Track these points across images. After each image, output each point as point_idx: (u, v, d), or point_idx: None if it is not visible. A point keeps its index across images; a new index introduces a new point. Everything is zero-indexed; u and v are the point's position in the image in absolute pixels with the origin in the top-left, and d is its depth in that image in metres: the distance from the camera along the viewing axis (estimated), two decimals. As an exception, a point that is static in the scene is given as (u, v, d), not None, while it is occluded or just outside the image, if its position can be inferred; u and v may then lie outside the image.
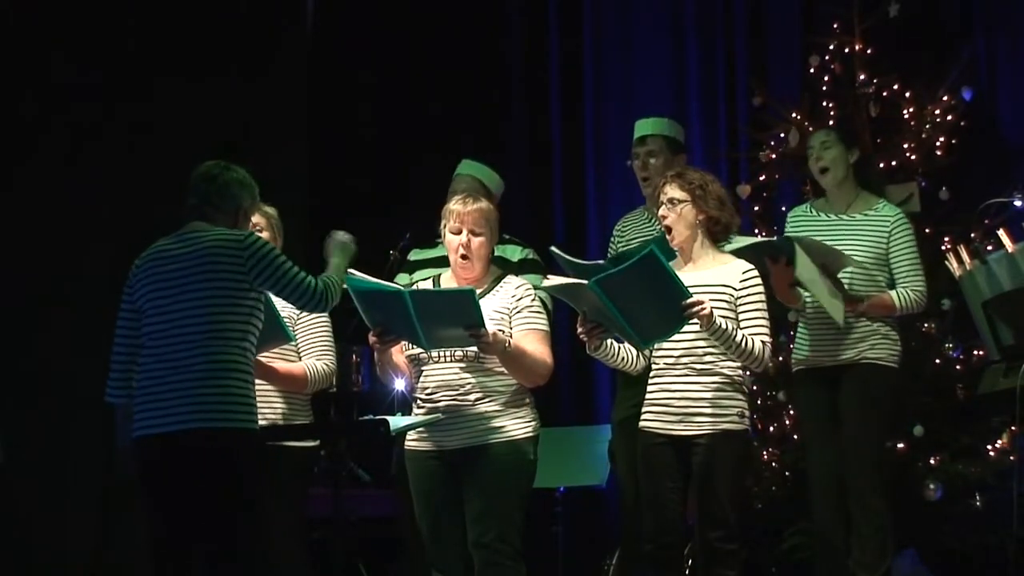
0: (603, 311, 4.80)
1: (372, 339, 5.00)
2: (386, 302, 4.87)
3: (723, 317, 4.92)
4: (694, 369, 5.00)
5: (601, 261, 5.53)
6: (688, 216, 5.06)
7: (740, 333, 4.92)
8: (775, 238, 5.38)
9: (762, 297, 5.04)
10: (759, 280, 5.08)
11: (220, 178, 4.74)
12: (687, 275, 5.00)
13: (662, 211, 5.09)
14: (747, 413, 5.05)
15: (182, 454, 4.52)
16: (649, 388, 5.12)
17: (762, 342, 4.96)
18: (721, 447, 4.97)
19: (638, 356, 5.14)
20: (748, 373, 5.11)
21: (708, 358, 4.99)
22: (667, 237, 5.10)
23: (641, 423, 5.13)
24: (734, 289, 5.01)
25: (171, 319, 4.58)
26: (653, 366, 5.12)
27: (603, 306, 4.76)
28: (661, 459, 5.05)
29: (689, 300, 4.80)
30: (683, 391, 5.01)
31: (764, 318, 5.01)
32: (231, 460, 4.54)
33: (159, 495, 4.59)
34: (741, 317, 4.99)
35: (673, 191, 5.07)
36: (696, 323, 4.87)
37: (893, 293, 5.64)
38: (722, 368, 5.00)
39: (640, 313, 4.79)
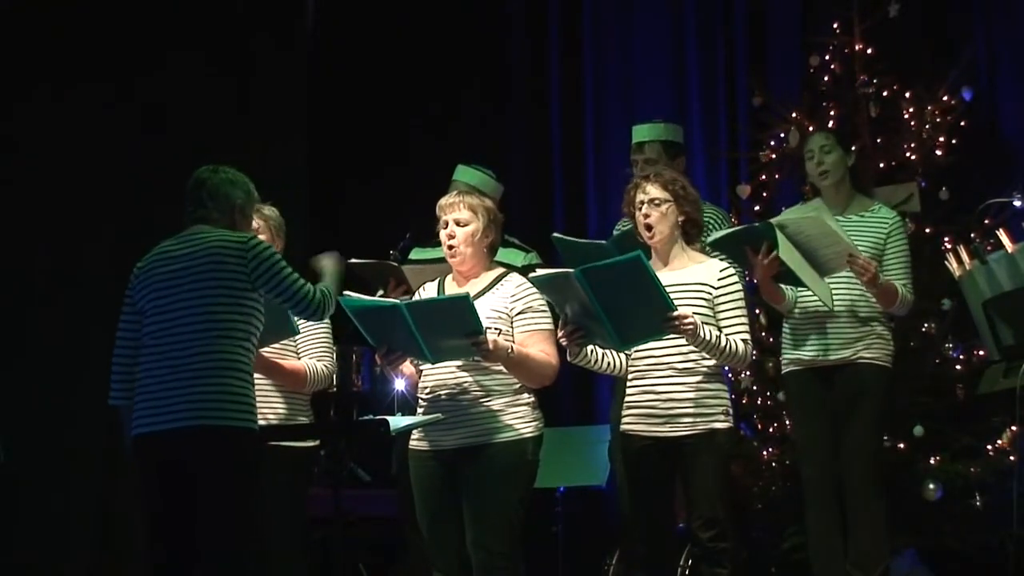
0: (587, 308, 4.76)
1: (379, 359, 4.99)
2: (384, 318, 4.85)
3: (701, 316, 4.88)
4: (677, 369, 4.98)
5: (603, 242, 5.50)
6: (671, 216, 5.05)
7: (724, 338, 4.89)
8: (756, 223, 5.32)
9: (741, 295, 5.03)
10: (737, 279, 5.06)
11: (209, 181, 4.79)
12: (664, 275, 4.95)
13: (645, 210, 5.05)
14: (731, 410, 5.04)
15: (180, 452, 4.52)
16: (629, 390, 5.10)
17: (743, 341, 4.95)
18: (708, 446, 4.96)
19: (624, 361, 5.10)
20: (740, 374, 5.09)
21: (691, 357, 4.96)
22: (646, 235, 5.05)
23: (624, 426, 5.11)
24: (712, 288, 4.99)
25: (171, 317, 4.60)
26: (632, 367, 5.09)
27: (587, 301, 4.72)
28: (648, 461, 5.04)
29: (674, 313, 4.77)
30: (667, 392, 4.99)
31: (744, 316, 5.00)
32: (228, 459, 4.54)
33: (157, 493, 4.60)
34: (720, 316, 4.97)
35: (655, 191, 5.04)
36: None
37: (897, 283, 5.63)
38: (705, 366, 4.97)
39: (622, 312, 4.74)
